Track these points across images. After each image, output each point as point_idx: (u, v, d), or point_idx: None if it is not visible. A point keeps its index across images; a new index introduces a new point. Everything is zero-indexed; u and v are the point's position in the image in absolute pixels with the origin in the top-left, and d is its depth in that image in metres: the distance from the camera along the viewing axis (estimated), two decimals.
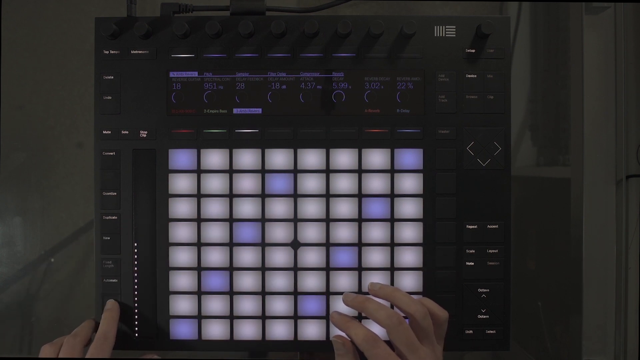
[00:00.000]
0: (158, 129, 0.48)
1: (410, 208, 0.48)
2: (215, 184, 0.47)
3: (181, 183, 0.47)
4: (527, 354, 0.58)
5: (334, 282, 0.47)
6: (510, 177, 0.48)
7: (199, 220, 0.47)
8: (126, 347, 0.47)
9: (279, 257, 0.47)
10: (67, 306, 0.58)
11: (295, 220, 0.47)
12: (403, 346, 0.41)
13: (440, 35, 0.48)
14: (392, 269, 0.47)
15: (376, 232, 0.47)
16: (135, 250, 0.47)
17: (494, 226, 0.47)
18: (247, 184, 0.48)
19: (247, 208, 0.47)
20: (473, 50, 0.48)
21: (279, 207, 0.47)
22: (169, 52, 0.48)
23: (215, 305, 0.47)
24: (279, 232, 0.47)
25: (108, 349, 0.45)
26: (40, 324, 0.58)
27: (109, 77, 0.48)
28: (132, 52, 0.48)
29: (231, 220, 0.47)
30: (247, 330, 0.47)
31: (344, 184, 0.47)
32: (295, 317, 0.47)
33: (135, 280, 0.47)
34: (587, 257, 0.57)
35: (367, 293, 0.46)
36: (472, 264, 0.47)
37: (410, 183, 0.48)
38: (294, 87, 0.48)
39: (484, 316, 0.47)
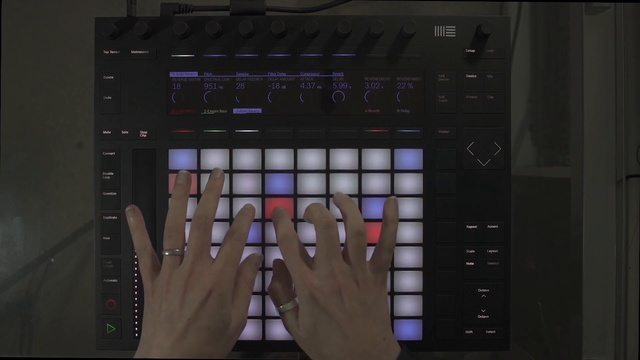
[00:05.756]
0: (158, 129, 0.48)
1: (410, 208, 0.48)
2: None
3: None
4: (527, 354, 0.58)
5: None
6: (510, 177, 0.48)
7: None
8: None
9: (279, 257, 0.47)
10: (67, 306, 0.58)
11: (296, 220, 0.47)
12: (321, 250, 0.42)
13: (440, 35, 0.48)
14: (392, 269, 0.47)
15: (376, 232, 0.47)
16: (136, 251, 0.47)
17: (494, 226, 0.47)
18: (247, 184, 0.48)
19: None
20: (473, 50, 0.48)
21: None
22: (169, 52, 0.48)
23: None
24: None
25: (241, 248, 0.43)
26: (40, 324, 0.58)
27: (109, 77, 0.48)
28: (132, 52, 0.48)
29: (231, 220, 0.47)
30: (247, 330, 0.47)
31: (344, 184, 0.47)
32: None
33: (135, 280, 0.47)
34: (587, 257, 0.57)
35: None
36: (472, 264, 0.47)
37: (410, 183, 0.48)
38: (294, 87, 0.48)
39: (484, 316, 0.47)
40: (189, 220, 0.44)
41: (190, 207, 0.46)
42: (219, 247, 0.44)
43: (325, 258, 0.42)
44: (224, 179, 0.46)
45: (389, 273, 0.46)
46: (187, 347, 0.39)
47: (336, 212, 0.45)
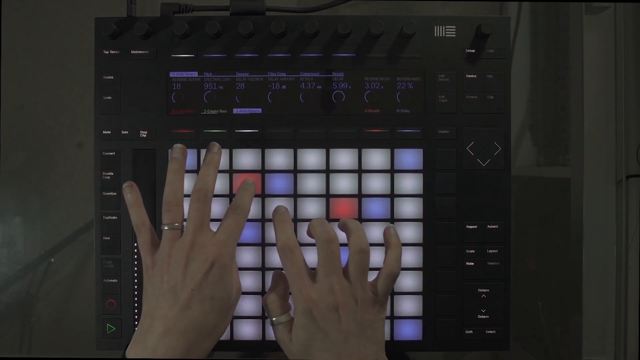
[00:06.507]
0: (158, 129, 0.48)
1: (410, 208, 0.48)
2: (215, 184, 0.47)
3: None
4: (527, 354, 0.58)
5: None
6: (510, 177, 0.48)
7: None
8: None
9: (278, 260, 0.47)
10: (67, 306, 0.58)
11: (296, 220, 0.47)
12: (322, 265, 0.41)
13: (440, 35, 0.48)
14: None
15: (376, 232, 0.47)
16: (135, 250, 0.47)
17: (494, 226, 0.47)
18: None
19: None
20: (473, 50, 0.48)
21: None
22: (169, 52, 0.48)
23: None
24: None
25: (243, 223, 0.43)
26: (40, 324, 0.58)
27: (109, 77, 0.48)
28: (132, 52, 0.48)
29: None
30: (247, 330, 0.47)
31: (344, 184, 0.47)
32: None
33: (135, 280, 0.47)
34: (587, 257, 0.57)
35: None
36: (472, 264, 0.47)
37: (410, 183, 0.48)
38: (294, 87, 0.48)
39: (484, 316, 0.47)
40: (187, 195, 0.43)
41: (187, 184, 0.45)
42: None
43: (325, 274, 0.41)
44: (221, 152, 0.45)
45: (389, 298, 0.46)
46: (192, 317, 0.39)
47: (341, 235, 0.44)
